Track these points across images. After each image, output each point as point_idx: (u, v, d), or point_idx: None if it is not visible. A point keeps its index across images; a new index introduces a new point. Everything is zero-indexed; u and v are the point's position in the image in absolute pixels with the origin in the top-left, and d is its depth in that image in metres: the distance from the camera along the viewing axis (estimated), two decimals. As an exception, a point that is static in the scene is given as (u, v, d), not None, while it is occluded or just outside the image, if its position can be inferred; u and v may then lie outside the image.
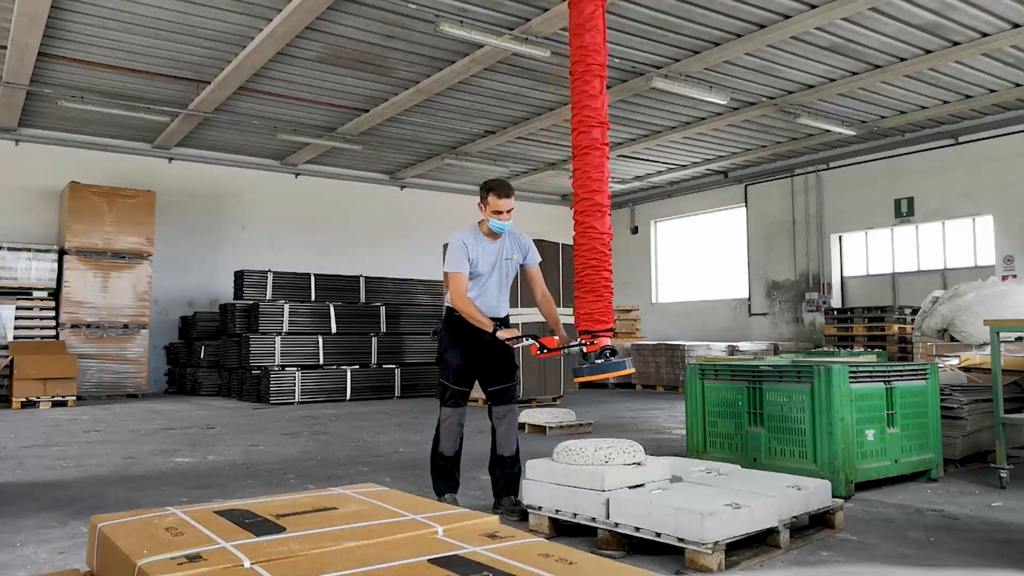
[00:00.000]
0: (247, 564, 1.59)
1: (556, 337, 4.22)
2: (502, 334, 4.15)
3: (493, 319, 4.33)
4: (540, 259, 4.58)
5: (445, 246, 4.54)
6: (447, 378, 4.45)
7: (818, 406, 4.70)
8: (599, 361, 3.90)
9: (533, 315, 10.96)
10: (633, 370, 4.01)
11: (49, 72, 10.92)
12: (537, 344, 4.07)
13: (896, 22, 9.34)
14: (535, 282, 4.53)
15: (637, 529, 3.39)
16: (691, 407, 5.52)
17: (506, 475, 4.45)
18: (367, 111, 12.71)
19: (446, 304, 4.56)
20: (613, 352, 3.96)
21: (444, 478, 4.49)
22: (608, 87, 11.60)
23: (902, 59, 10.52)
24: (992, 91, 11.84)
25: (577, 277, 4.22)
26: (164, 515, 1.99)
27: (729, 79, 11.31)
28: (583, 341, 4.04)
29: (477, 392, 12.31)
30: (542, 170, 16.95)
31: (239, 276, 12.69)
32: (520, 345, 4.18)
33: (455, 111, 12.88)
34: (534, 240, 4.63)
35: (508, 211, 4.27)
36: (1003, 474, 4.85)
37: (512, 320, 4.65)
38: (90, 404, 11.64)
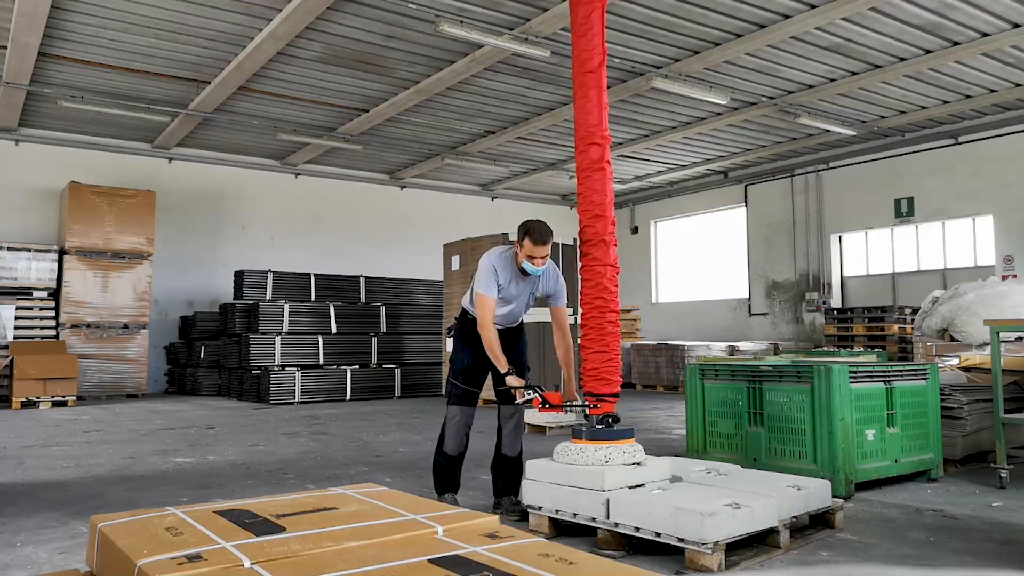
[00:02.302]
0: (247, 564, 1.59)
1: (561, 393, 4.19)
2: (511, 381, 4.14)
3: (509, 327, 4.46)
4: (567, 302, 4.51)
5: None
6: (456, 376, 4.45)
7: (818, 406, 4.70)
8: (599, 427, 3.81)
9: (532, 315, 10.97)
10: (640, 454, 3.86)
11: (49, 72, 10.92)
12: (540, 398, 4.04)
13: (896, 22, 9.34)
14: (557, 324, 4.45)
15: (637, 529, 3.39)
16: (691, 407, 5.52)
17: (508, 475, 4.45)
18: (367, 111, 12.71)
19: (463, 305, 4.58)
20: (616, 420, 3.86)
21: (445, 478, 4.48)
22: (608, 87, 11.60)
23: (902, 59, 10.52)
24: (992, 91, 11.84)
25: (583, 319, 4.18)
26: (164, 515, 1.99)
27: (729, 79, 11.31)
28: (587, 403, 3.96)
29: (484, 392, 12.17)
30: (542, 170, 16.96)
31: (239, 276, 12.69)
32: (524, 398, 4.14)
33: (455, 111, 12.88)
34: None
35: (542, 257, 4.20)
36: (1003, 474, 4.85)
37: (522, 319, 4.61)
38: (90, 404, 11.64)
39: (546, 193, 19.60)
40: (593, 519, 3.57)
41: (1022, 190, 12.91)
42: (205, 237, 15.13)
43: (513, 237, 4.39)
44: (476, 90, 11.88)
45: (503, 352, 4.25)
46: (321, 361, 12.23)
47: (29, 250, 12.10)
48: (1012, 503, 4.46)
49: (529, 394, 4.10)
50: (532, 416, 8.14)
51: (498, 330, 4.35)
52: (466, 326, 4.47)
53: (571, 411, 4.11)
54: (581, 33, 4.16)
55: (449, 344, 5.18)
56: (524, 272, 4.30)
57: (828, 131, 13.75)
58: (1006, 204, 13.11)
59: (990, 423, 5.46)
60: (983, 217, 13.62)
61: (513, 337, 4.52)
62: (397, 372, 12.74)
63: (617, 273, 4.14)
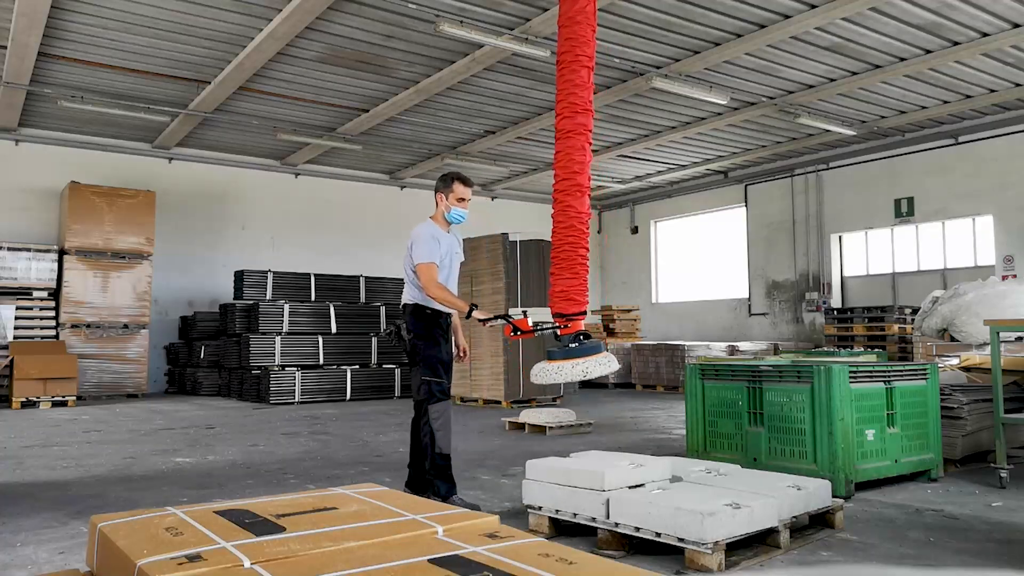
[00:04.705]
0: (247, 564, 1.59)
1: (529, 319, 4.22)
2: (477, 314, 4.27)
3: (450, 312, 4.61)
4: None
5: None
6: (435, 373, 4.44)
7: (818, 406, 4.70)
8: (573, 345, 3.82)
9: (532, 316, 10.96)
10: (614, 363, 3.89)
11: (49, 72, 10.92)
12: (511, 325, 4.04)
13: (896, 22, 9.34)
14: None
15: (637, 529, 3.39)
16: (691, 407, 5.52)
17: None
18: (367, 111, 12.71)
19: (406, 301, 4.59)
20: (587, 336, 3.90)
21: (446, 479, 4.40)
22: (608, 87, 11.68)
23: (902, 59, 10.52)
24: (992, 91, 11.84)
25: (554, 253, 4.15)
26: (164, 515, 1.99)
27: (729, 79, 11.31)
28: (556, 324, 3.97)
29: (477, 392, 12.17)
30: (542, 170, 16.95)
31: (239, 276, 12.69)
32: (492, 324, 4.26)
33: (455, 111, 12.88)
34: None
35: (468, 200, 4.61)
36: (1003, 474, 4.85)
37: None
38: (90, 404, 11.64)
39: (546, 193, 19.58)
40: (593, 519, 3.57)
41: (1022, 190, 12.91)
42: (205, 237, 15.12)
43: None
44: (476, 90, 11.88)
45: (446, 339, 4.53)
46: (321, 361, 12.23)
47: (29, 250, 12.09)
48: (1012, 503, 4.46)
49: (499, 321, 4.18)
50: (532, 416, 8.14)
51: (437, 311, 4.49)
52: (427, 320, 4.50)
53: (541, 333, 4.12)
54: (576, 22, 4.12)
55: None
56: (446, 227, 4.59)
57: (828, 131, 13.75)
58: (1006, 204, 13.10)
59: (990, 423, 5.46)
60: (983, 217, 13.62)
61: (450, 328, 4.67)
62: (397, 372, 12.73)
63: (589, 218, 4.16)
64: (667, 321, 18.84)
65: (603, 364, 3.76)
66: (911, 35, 9.71)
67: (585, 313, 4.02)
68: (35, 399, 10.94)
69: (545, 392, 10.90)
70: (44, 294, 12.16)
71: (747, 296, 17.33)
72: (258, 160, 15.79)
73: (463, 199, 4.58)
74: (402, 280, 14.96)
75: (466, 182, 4.62)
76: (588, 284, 4.10)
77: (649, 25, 9.46)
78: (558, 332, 3.92)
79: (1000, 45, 9.89)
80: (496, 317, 4.22)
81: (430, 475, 4.42)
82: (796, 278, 16.30)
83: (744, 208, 17.43)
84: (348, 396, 12.19)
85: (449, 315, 4.63)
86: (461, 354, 4.86)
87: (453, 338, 4.82)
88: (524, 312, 4.22)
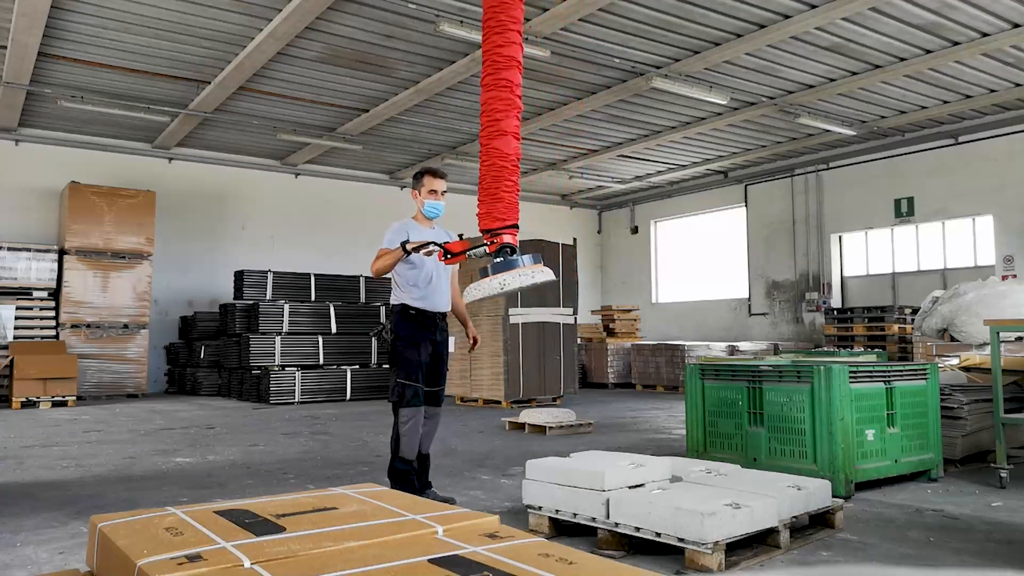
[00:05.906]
0: (247, 564, 1.59)
1: (460, 240, 4.18)
2: (410, 246, 4.27)
3: (439, 312, 4.60)
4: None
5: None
6: (410, 376, 4.44)
7: (818, 406, 4.70)
8: (498, 260, 3.63)
9: (532, 315, 10.97)
10: (541, 274, 3.69)
11: (49, 72, 10.92)
12: (442, 250, 4.00)
13: (896, 22, 9.34)
14: (453, 279, 4.79)
15: (637, 529, 3.39)
16: (691, 407, 5.52)
17: (427, 470, 4.62)
18: (367, 111, 12.71)
19: (392, 302, 4.62)
20: (513, 250, 3.68)
21: (407, 485, 4.38)
22: (608, 87, 11.69)
23: (902, 59, 10.52)
24: (992, 91, 11.84)
25: (480, 187, 4.04)
26: (164, 515, 1.99)
27: (729, 79, 11.31)
28: (486, 242, 3.79)
29: (477, 392, 12.12)
30: (542, 170, 16.96)
31: (239, 276, 12.69)
32: (427, 251, 4.25)
33: (455, 111, 12.88)
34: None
35: (443, 192, 4.60)
36: (1003, 474, 4.85)
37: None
38: (90, 404, 11.64)
39: (546, 193, 19.59)
40: (593, 519, 3.57)
41: (1022, 190, 12.91)
42: (205, 237, 15.12)
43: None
44: (476, 90, 11.87)
45: (437, 356, 4.56)
46: (321, 361, 12.23)
47: (29, 250, 12.10)
48: (1012, 503, 4.46)
49: (432, 247, 4.18)
50: (532, 416, 8.15)
51: (423, 312, 4.51)
52: (410, 321, 4.51)
53: (474, 255, 4.06)
54: None
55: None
56: (427, 223, 4.60)
57: (828, 131, 13.75)
58: (1006, 204, 13.11)
59: (990, 423, 5.46)
60: (983, 217, 13.62)
61: (441, 330, 4.63)
62: (397, 372, 12.71)
63: (519, 159, 4.03)
64: (667, 321, 18.84)
65: (524, 276, 3.50)
66: (911, 35, 9.71)
67: (516, 227, 3.78)
68: (35, 399, 10.94)
69: (545, 392, 10.90)
70: (44, 294, 12.16)
71: (747, 296, 17.33)
72: (258, 160, 15.79)
73: (434, 191, 4.59)
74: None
75: (436, 174, 4.62)
76: (517, 205, 3.98)
77: (649, 25, 9.46)
78: (487, 250, 3.79)
79: (1000, 45, 9.89)
80: (427, 244, 4.21)
81: (390, 478, 4.44)
82: (796, 278, 16.30)
83: (744, 208, 17.43)
84: (348, 396, 12.19)
85: (437, 315, 4.60)
86: (471, 342, 4.91)
87: (465, 329, 4.87)
88: (460, 236, 4.18)
